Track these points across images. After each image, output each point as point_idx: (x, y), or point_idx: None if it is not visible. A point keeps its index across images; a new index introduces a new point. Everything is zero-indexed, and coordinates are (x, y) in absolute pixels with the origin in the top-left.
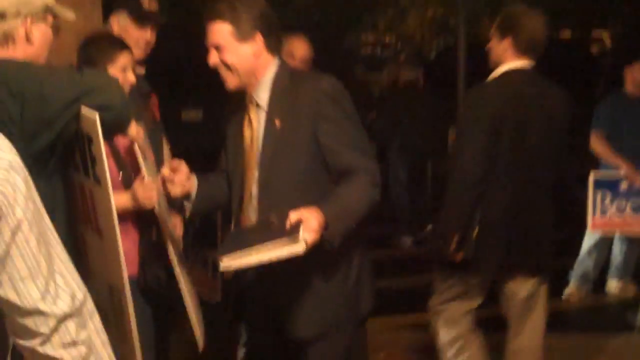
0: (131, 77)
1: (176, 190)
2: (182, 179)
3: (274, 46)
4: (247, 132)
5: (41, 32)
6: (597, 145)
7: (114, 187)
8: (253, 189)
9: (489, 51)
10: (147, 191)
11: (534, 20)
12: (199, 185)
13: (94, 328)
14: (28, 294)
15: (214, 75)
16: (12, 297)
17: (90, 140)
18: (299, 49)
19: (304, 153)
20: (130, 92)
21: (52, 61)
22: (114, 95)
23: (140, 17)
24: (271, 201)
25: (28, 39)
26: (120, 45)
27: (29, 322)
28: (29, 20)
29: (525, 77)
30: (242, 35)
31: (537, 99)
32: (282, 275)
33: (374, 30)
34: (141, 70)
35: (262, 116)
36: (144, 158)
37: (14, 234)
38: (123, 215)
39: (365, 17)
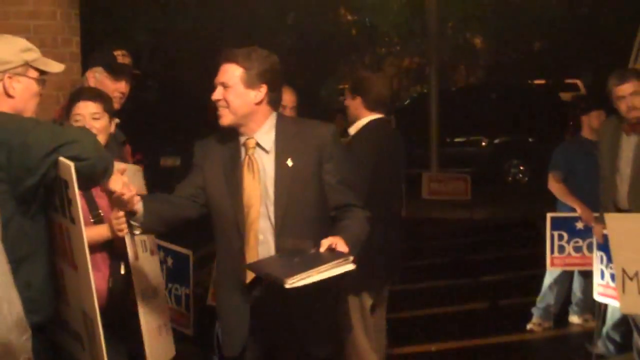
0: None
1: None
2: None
3: (275, 100)
4: (247, 173)
5: (23, 86)
6: (553, 186)
7: (86, 225)
8: (260, 223)
9: (346, 108)
10: (119, 224)
11: (379, 83)
12: (145, 204)
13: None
14: None
15: (191, 124)
16: None
17: (66, 184)
18: (288, 98)
19: (313, 189)
20: (109, 140)
21: (38, 112)
22: (89, 149)
23: (114, 71)
24: (290, 232)
25: (7, 93)
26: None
27: None
28: (6, 76)
29: (381, 125)
30: (250, 82)
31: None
32: (293, 300)
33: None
34: (116, 120)
35: (266, 157)
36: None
37: None
38: (94, 253)
39: (342, 66)
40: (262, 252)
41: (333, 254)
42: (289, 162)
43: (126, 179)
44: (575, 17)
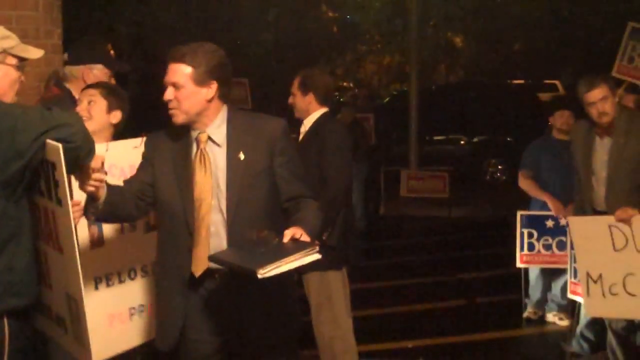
0: None
1: (88, 184)
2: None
3: (225, 94)
4: (198, 167)
5: (1, 73)
6: (523, 183)
7: None
8: (212, 216)
9: (294, 104)
10: (75, 211)
11: (327, 79)
12: (107, 194)
13: None
14: None
15: (168, 118)
16: None
17: (54, 166)
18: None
19: (265, 181)
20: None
21: (19, 102)
22: (76, 130)
23: (113, 69)
24: (242, 224)
25: None
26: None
27: None
28: None
29: (332, 117)
30: (200, 80)
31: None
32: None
33: (332, 75)
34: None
35: (219, 151)
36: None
37: None
38: None
39: (322, 63)
40: (213, 244)
41: (298, 244)
42: (241, 156)
43: (103, 159)
44: (555, 18)
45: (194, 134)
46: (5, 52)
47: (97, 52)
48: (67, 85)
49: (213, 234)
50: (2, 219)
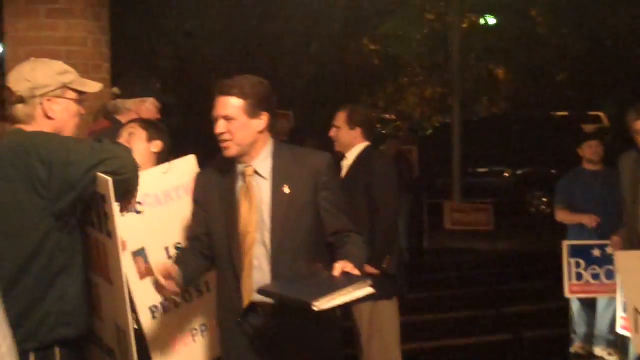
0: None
1: (166, 293)
2: (172, 287)
3: (272, 126)
4: (244, 200)
5: (62, 107)
6: (560, 215)
7: None
8: (255, 250)
9: (337, 138)
10: None
11: (371, 114)
12: (183, 274)
13: None
14: None
15: (214, 150)
16: None
17: (104, 199)
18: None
19: (309, 215)
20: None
21: (75, 132)
22: (127, 163)
23: (162, 103)
24: (286, 257)
25: (47, 116)
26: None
27: None
28: (45, 100)
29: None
30: (252, 112)
31: None
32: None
33: (373, 108)
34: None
35: (264, 184)
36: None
37: None
38: None
39: (364, 96)
40: (256, 278)
41: (349, 278)
42: (286, 190)
43: (172, 272)
44: (599, 49)
45: (240, 167)
46: (65, 86)
47: (149, 86)
48: (118, 118)
49: (256, 268)
50: (55, 250)
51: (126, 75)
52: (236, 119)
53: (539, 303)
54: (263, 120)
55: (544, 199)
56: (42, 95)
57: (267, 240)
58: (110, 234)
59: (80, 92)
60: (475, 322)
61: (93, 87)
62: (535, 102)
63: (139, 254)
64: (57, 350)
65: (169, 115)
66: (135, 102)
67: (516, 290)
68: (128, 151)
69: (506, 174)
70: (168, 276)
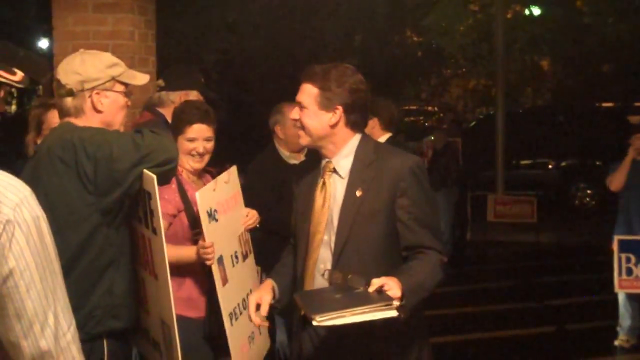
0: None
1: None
2: (261, 321)
3: (356, 123)
4: (318, 197)
5: (110, 100)
6: (611, 180)
7: (185, 241)
8: (320, 252)
9: None
10: (207, 254)
11: (391, 105)
12: (277, 283)
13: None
14: (12, 331)
15: (258, 144)
16: (1, 330)
17: (149, 196)
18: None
19: (380, 224)
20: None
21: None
22: (170, 153)
23: (204, 96)
24: (348, 265)
25: (96, 109)
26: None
27: (11, 352)
28: (94, 93)
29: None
30: (325, 104)
31: None
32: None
33: (417, 100)
34: None
35: (340, 184)
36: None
37: (4, 279)
38: (194, 265)
39: (407, 88)
40: (318, 282)
41: (380, 297)
42: (358, 193)
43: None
44: None
45: (323, 162)
46: (114, 79)
47: (193, 79)
48: (161, 110)
49: (319, 271)
50: (103, 244)
51: (171, 68)
52: (307, 108)
53: (582, 296)
54: (337, 115)
55: (588, 191)
56: (92, 89)
57: (333, 244)
58: (156, 230)
59: (127, 85)
60: (519, 314)
61: (141, 79)
62: (580, 93)
63: (219, 261)
64: (104, 342)
65: (214, 109)
66: (178, 94)
67: (560, 282)
68: (169, 139)
69: (550, 166)
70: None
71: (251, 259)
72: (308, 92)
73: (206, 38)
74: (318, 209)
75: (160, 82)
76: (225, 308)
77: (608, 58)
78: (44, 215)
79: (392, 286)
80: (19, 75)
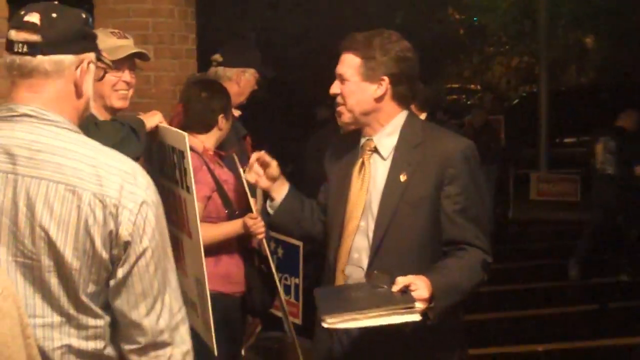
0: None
1: (262, 183)
2: (271, 172)
3: (403, 97)
4: (356, 179)
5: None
6: None
7: (220, 219)
8: (355, 240)
9: None
10: (258, 227)
11: (422, 86)
12: (287, 196)
13: (180, 340)
14: (136, 309)
15: (297, 124)
16: (125, 308)
17: (182, 154)
18: None
19: (425, 214)
20: (229, 133)
21: (155, 105)
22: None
23: (262, 73)
24: (388, 257)
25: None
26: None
27: (132, 331)
28: None
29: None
30: (369, 75)
31: None
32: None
33: (459, 78)
34: (237, 113)
35: (382, 165)
36: (253, 195)
37: (138, 258)
38: (230, 242)
39: (449, 66)
40: (351, 273)
41: (402, 298)
42: (402, 177)
43: (258, 170)
44: None
45: (362, 140)
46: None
47: (251, 57)
48: None
49: (354, 262)
50: None
51: (229, 43)
52: (349, 80)
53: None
54: (383, 86)
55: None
56: None
57: (371, 232)
58: (189, 188)
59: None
60: (561, 292)
61: (118, 54)
62: (624, 70)
63: (268, 239)
64: None
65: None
66: (236, 71)
67: (602, 261)
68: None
69: None
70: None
71: None
72: (349, 63)
73: (247, 16)
74: (355, 191)
75: (218, 57)
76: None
77: None
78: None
79: (420, 286)
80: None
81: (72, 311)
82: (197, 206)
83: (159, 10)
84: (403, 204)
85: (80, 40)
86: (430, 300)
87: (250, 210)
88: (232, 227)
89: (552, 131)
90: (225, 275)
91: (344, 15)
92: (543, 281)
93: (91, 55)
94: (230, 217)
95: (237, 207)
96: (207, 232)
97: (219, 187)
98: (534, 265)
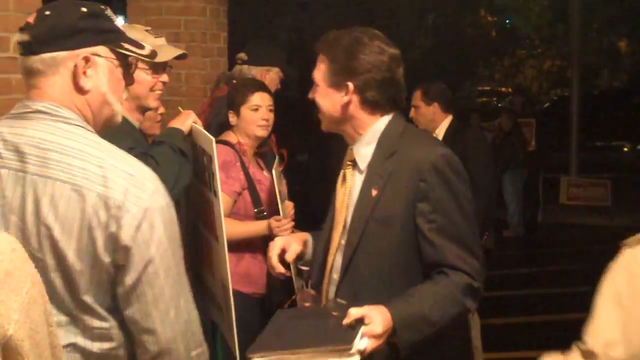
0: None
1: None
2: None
3: (375, 103)
4: (339, 193)
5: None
6: None
7: (249, 219)
8: (336, 258)
9: (417, 117)
10: (282, 230)
11: (445, 88)
12: (314, 239)
13: (195, 344)
14: (149, 317)
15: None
16: (137, 316)
17: (210, 159)
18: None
19: (396, 233)
20: None
21: (186, 104)
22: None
23: (285, 74)
24: (356, 279)
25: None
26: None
27: (146, 339)
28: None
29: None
30: (333, 81)
31: None
32: None
33: (490, 80)
34: None
35: (359, 178)
36: (282, 199)
37: (146, 266)
38: (254, 242)
39: (481, 68)
40: (331, 294)
41: (346, 335)
42: (373, 191)
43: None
44: None
45: (349, 149)
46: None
47: (276, 56)
48: None
49: (332, 282)
50: None
51: (254, 42)
52: (319, 85)
53: None
54: (348, 93)
55: None
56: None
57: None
58: (216, 193)
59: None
60: (591, 297)
61: (161, 57)
62: None
63: None
64: None
65: (286, 88)
66: (260, 70)
67: None
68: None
69: (626, 149)
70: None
71: None
72: (319, 66)
73: (278, 16)
74: (338, 207)
75: (243, 55)
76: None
77: None
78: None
79: (375, 319)
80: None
81: (75, 312)
82: (223, 208)
83: (191, 8)
84: (372, 221)
85: (75, 35)
86: (392, 333)
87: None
88: (257, 227)
89: (583, 135)
90: (245, 274)
91: (376, 15)
92: (573, 286)
93: (93, 50)
94: (259, 217)
95: (267, 209)
96: (232, 228)
97: (250, 185)
98: (564, 269)
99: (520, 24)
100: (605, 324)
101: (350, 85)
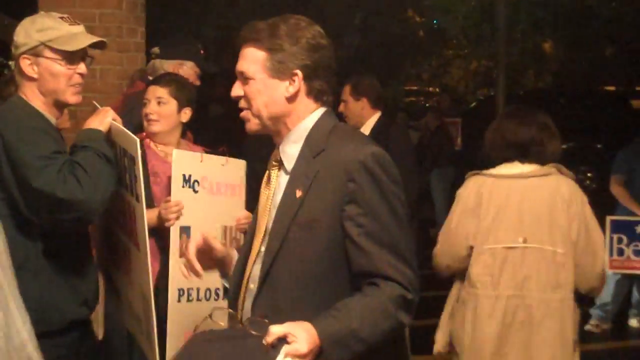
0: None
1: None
2: (216, 255)
3: (320, 92)
4: (263, 194)
5: (42, 68)
6: (616, 189)
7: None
8: (254, 269)
9: (346, 112)
10: (169, 211)
11: (376, 84)
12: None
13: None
14: None
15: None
16: None
17: (133, 161)
18: None
19: (321, 238)
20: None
21: (100, 101)
22: (83, 205)
23: (203, 70)
24: (275, 289)
25: (26, 76)
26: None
27: None
28: (21, 58)
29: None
30: (277, 70)
31: None
32: None
33: (417, 80)
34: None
35: (284, 180)
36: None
37: None
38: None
39: (408, 68)
40: (248, 307)
41: (267, 356)
42: (298, 193)
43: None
44: None
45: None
46: (43, 44)
47: (190, 50)
48: None
49: (249, 293)
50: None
51: (170, 37)
52: (253, 79)
53: None
54: (295, 82)
55: (589, 174)
56: (20, 55)
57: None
58: (139, 197)
59: (65, 51)
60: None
61: (77, 44)
62: (582, 76)
63: (185, 230)
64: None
65: (212, 85)
66: (173, 64)
67: None
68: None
69: None
70: (201, 256)
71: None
72: (252, 58)
73: (205, 13)
74: (261, 211)
75: (156, 49)
76: (176, 281)
77: (611, 41)
78: None
79: (299, 337)
80: None
81: None
82: (146, 216)
83: (106, 1)
84: (295, 226)
85: None
86: (318, 352)
87: None
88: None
89: None
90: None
91: (303, 14)
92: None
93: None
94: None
95: (162, 200)
96: None
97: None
98: None
99: (448, 25)
100: None
101: (299, 72)
